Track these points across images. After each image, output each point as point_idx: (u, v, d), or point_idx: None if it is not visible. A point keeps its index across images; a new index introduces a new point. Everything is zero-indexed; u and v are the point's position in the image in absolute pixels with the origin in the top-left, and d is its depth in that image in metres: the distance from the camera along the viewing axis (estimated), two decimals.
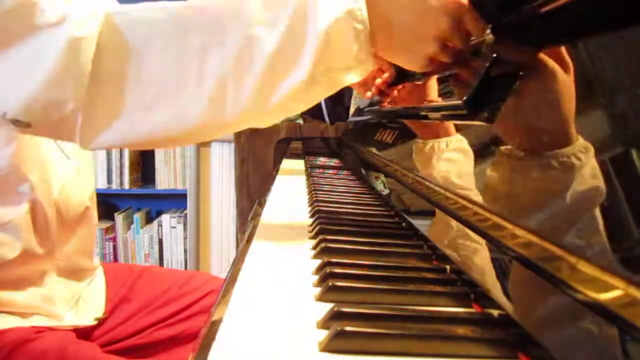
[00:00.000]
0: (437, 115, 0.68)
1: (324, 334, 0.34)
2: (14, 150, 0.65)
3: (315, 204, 0.75)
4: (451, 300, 0.42)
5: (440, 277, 0.47)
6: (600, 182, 0.32)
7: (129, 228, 2.36)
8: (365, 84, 0.73)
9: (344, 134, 1.62)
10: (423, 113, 0.73)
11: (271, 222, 0.68)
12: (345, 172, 1.18)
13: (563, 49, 0.41)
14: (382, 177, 0.85)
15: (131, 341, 0.82)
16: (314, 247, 0.55)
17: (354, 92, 2.09)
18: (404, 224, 0.66)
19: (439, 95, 0.73)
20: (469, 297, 0.42)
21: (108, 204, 2.38)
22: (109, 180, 2.31)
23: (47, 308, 0.70)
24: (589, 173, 0.33)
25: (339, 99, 2.47)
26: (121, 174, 2.31)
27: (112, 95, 0.50)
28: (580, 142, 0.35)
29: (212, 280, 0.95)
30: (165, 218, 2.34)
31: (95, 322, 0.79)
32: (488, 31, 0.53)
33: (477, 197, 0.48)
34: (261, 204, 0.79)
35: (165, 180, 2.34)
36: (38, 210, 0.69)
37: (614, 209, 0.29)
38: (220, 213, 2.33)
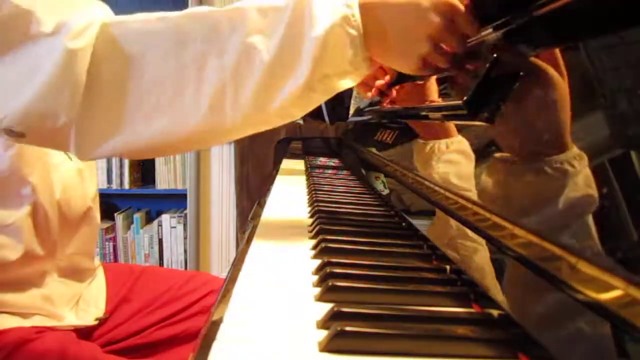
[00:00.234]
0: (438, 115, 0.68)
1: (323, 334, 0.34)
2: (15, 153, 0.65)
3: (315, 204, 0.75)
4: (451, 300, 0.42)
5: (440, 277, 0.47)
6: (593, 191, 0.32)
7: (129, 228, 2.36)
8: (365, 84, 0.73)
9: (344, 134, 1.62)
10: (423, 113, 0.73)
11: (271, 222, 0.68)
12: (345, 172, 1.18)
13: (559, 56, 0.41)
14: (382, 177, 0.85)
15: (131, 341, 0.82)
16: (314, 247, 0.55)
17: (354, 92, 2.09)
18: (404, 224, 0.66)
19: (439, 96, 0.73)
20: (469, 297, 0.42)
21: (108, 204, 2.38)
22: (109, 180, 2.31)
23: (48, 308, 0.70)
24: (582, 181, 0.33)
25: (339, 99, 2.47)
26: (121, 174, 2.31)
27: (109, 106, 0.50)
28: (574, 150, 0.35)
29: (212, 280, 0.95)
30: (165, 218, 2.34)
31: (95, 322, 0.79)
32: (489, 31, 0.53)
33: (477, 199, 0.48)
34: (261, 204, 0.79)
35: (165, 180, 2.34)
36: (39, 212, 0.69)
37: (613, 209, 0.29)
38: (220, 213, 2.33)
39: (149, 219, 2.44)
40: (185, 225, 2.33)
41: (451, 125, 0.61)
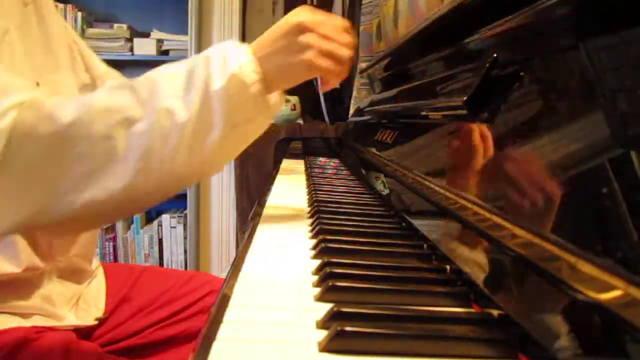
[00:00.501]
0: (438, 115, 0.68)
1: (323, 334, 0.34)
2: None
3: (315, 204, 0.75)
4: (451, 300, 0.42)
5: (440, 277, 0.47)
6: None
7: (128, 228, 2.36)
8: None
9: (344, 134, 1.62)
10: (423, 113, 0.73)
11: (271, 222, 0.68)
12: (345, 172, 1.18)
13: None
14: (382, 177, 0.85)
15: (131, 341, 0.82)
16: (314, 247, 0.55)
17: (354, 92, 2.09)
18: (404, 224, 0.66)
19: (439, 95, 0.73)
20: (469, 297, 0.42)
21: None
22: None
23: (47, 308, 0.70)
24: None
25: (339, 99, 2.47)
26: None
27: (30, 182, 0.52)
28: None
29: (212, 280, 0.95)
30: (165, 218, 2.34)
31: (95, 322, 0.79)
32: (488, 29, 0.53)
33: None
34: (261, 204, 0.79)
35: None
36: None
37: (613, 209, 0.29)
38: (220, 213, 2.33)
39: (148, 219, 2.44)
40: (185, 225, 2.33)
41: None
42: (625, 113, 0.32)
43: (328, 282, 0.42)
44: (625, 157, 0.30)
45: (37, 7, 0.73)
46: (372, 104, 1.28)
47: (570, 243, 0.30)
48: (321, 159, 1.43)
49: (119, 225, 2.33)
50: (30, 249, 0.68)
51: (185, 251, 2.38)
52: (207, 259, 2.36)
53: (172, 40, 2.47)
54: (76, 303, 0.78)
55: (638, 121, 0.31)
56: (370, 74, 1.55)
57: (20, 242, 0.67)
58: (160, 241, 2.35)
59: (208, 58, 0.56)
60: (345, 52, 0.60)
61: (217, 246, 2.35)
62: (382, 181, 0.84)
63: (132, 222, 2.35)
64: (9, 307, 0.66)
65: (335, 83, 0.64)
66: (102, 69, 0.86)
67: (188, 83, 0.55)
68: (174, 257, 2.40)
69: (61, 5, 2.49)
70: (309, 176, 1.08)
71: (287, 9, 2.51)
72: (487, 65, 0.54)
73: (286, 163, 1.36)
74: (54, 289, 0.73)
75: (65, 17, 2.49)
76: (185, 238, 2.35)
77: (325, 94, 2.52)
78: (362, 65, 1.93)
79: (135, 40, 2.49)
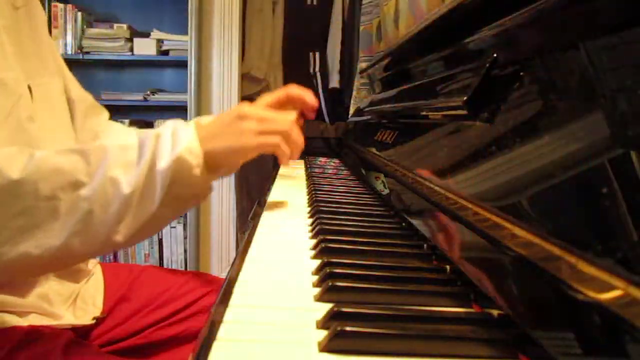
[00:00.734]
0: (438, 115, 0.68)
1: (323, 334, 0.34)
2: None
3: (315, 204, 0.75)
4: (451, 300, 0.42)
5: (440, 277, 0.47)
6: None
7: None
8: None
9: (344, 134, 1.62)
10: (423, 113, 0.73)
11: (271, 222, 0.68)
12: (345, 172, 1.18)
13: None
14: (382, 177, 0.85)
15: (131, 341, 0.82)
16: (314, 247, 0.55)
17: (354, 92, 2.09)
18: (404, 224, 0.66)
19: (439, 95, 0.73)
20: (469, 297, 0.42)
21: None
22: None
23: (44, 307, 0.70)
24: None
25: (339, 99, 2.47)
26: None
27: None
28: None
29: (212, 280, 0.94)
30: None
31: (93, 322, 0.79)
32: (488, 29, 0.53)
33: None
34: (261, 204, 0.79)
35: None
36: None
37: (613, 209, 0.29)
38: (220, 213, 2.33)
39: None
40: (185, 225, 2.33)
41: None
42: (625, 113, 0.32)
43: (328, 282, 0.42)
44: (625, 157, 0.30)
45: (29, 11, 0.73)
46: (372, 104, 1.28)
47: (570, 243, 0.30)
48: (321, 159, 1.43)
49: None
50: None
51: (185, 251, 2.37)
52: (207, 259, 2.35)
53: (172, 40, 2.47)
54: (74, 302, 0.78)
55: (638, 121, 0.31)
56: (370, 74, 1.55)
57: None
58: (160, 241, 2.35)
59: (159, 136, 0.60)
60: (284, 125, 0.67)
61: (217, 246, 2.35)
62: (382, 181, 0.84)
63: None
64: (6, 305, 0.66)
65: (286, 161, 0.68)
66: (75, 93, 0.87)
67: (136, 157, 0.59)
68: (174, 257, 2.40)
69: (61, 5, 2.49)
70: (309, 176, 1.08)
71: (287, 9, 2.52)
72: (487, 65, 0.54)
73: None
74: (51, 287, 0.72)
75: (65, 17, 2.49)
76: (185, 238, 2.35)
77: (325, 94, 2.52)
78: (362, 65, 1.93)
79: (135, 40, 2.49)
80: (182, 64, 2.31)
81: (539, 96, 0.46)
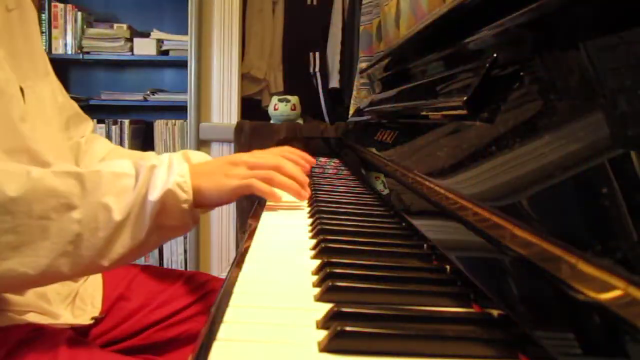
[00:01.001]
0: (438, 115, 0.68)
1: (323, 334, 0.34)
2: None
3: (315, 204, 0.75)
4: (451, 300, 0.42)
5: (440, 277, 0.47)
6: None
7: None
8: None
9: (344, 134, 1.62)
10: (423, 113, 0.73)
11: (271, 222, 0.68)
12: (345, 172, 1.18)
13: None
14: (382, 177, 0.85)
15: (131, 342, 0.82)
16: (314, 247, 0.55)
17: (354, 92, 2.09)
18: (404, 224, 0.66)
19: (439, 95, 0.73)
20: (469, 297, 0.42)
21: None
22: None
23: (43, 306, 0.70)
24: None
25: (339, 99, 2.47)
26: None
27: None
28: None
29: (212, 280, 0.94)
30: None
31: (92, 322, 0.79)
32: (488, 29, 0.53)
33: None
34: (261, 204, 0.79)
35: None
36: None
37: (613, 209, 0.29)
38: (220, 213, 2.33)
39: None
40: None
41: None
42: (625, 113, 0.32)
43: (328, 282, 0.42)
44: (625, 157, 0.30)
45: (21, 13, 0.74)
46: (372, 104, 1.28)
47: (570, 243, 0.30)
48: (321, 159, 1.43)
49: None
50: None
51: (185, 251, 2.37)
52: (207, 259, 2.36)
53: (172, 40, 2.47)
54: (73, 301, 0.78)
55: (638, 121, 0.31)
56: (370, 74, 1.55)
57: None
58: None
59: (153, 168, 0.63)
60: (271, 164, 0.72)
61: (217, 246, 2.35)
62: (382, 181, 0.84)
63: None
64: (4, 303, 0.66)
65: (274, 198, 0.72)
66: (58, 101, 0.87)
67: (130, 186, 0.61)
68: (174, 257, 2.40)
69: (61, 5, 2.49)
70: (309, 176, 1.08)
71: (287, 9, 2.52)
72: (487, 65, 0.54)
73: None
74: (50, 286, 0.72)
75: (65, 17, 2.49)
76: (185, 238, 2.35)
77: (325, 94, 2.52)
78: (362, 65, 1.93)
79: (135, 40, 2.49)
80: (182, 64, 2.31)
81: (539, 96, 0.46)
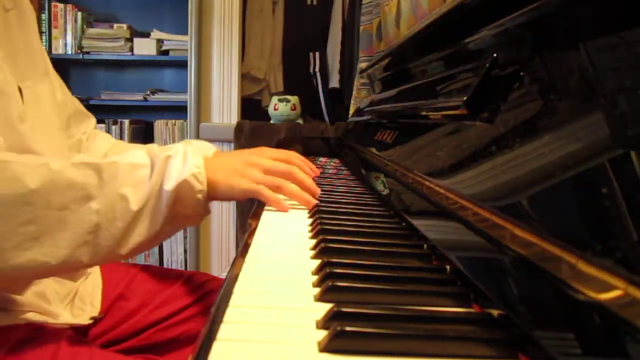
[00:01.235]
0: (438, 115, 0.68)
1: (323, 334, 0.34)
2: None
3: (316, 204, 0.74)
4: (451, 300, 0.42)
5: (440, 277, 0.47)
6: None
7: None
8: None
9: (344, 134, 1.62)
10: (423, 113, 0.73)
11: (271, 222, 0.68)
12: (345, 172, 1.18)
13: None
14: (382, 177, 0.85)
15: (130, 343, 0.82)
16: (314, 247, 0.55)
17: (354, 92, 2.09)
18: (404, 224, 0.66)
19: (439, 95, 0.73)
20: (469, 297, 0.42)
21: None
22: None
23: (42, 305, 0.70)
24: None
25: (339, 99, 2.47)
26: None
27: None
28: None
29: (212, 280, 0.94)
30: None
31: (91, 322, 0.79)
32: (488, 29, 0.53)
33: None
34: (261, 204, 0.79)
35: None
36: None
37: (613, 209, 0.29)
38: (220, 213, 2.33)
39: None
40: None
41: None
42: (625, 113, 0.32)
43: (328, 282, 0.42)
44: (625, 157, 0.30)
45: (19, 13, 0.74)
46: (372, 104, 1.28)
47: (570, 243, 0.30)
48: (321, 159, 1.43)
49: None
50: None
51: (185, 251, 2.37)
52: (207, 259, 2.36)
53: (172, 40, 2.47)
54: (72, 301, 0.78)
55: (638, 121, 0.31)
56: (370, 74, 1.55)
57: None
58: None
59: (169, 158, 0.65)
60: (284, 172, 0.74)
61: (217, 246, 2.35)
62: (382, 181, 0.84)
63: None
64: (4, 302, 0.66)
65: (281, 207, 0.73)
66: (59, 99, 0.87)
67: (146, 176, 0.63)
68: (174, 257, 2.40)
69: (61, 5, 2.49)
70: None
71: (287, 9, 2.52)
72: (487, 65, 0.54)
73: None
74: (48, 285, 0.72)
75: (65, 17, 2.49)
76: (185, 238, 2.35)
77: (325, 94, 2.52)
78: (362, 65, 1.93)
79: (135, 40, 2.49)
80: (182, 64, 2.31)
81: (539, 96, 0.46)
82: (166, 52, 2.49)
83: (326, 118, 2.50)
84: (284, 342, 0.34)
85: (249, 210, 0.75)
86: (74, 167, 0.60)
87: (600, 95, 0.35)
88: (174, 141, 2.50)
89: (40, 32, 2.40)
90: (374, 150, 0.96)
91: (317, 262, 0.49)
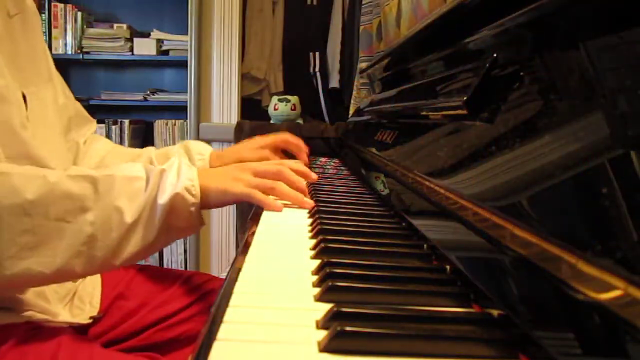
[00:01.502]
0: (438, 115, 0.68)
1: (323, 334, 0.34)
2: None
3: (316, 204, 0.75)
4: (451, 300, 0.42)
5: (440, 277, 0.47)
6: None
7: None
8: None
9: (344, 134, 1.62)
10: (423, 113, 0.73)
11: (271, 222, 0.68)
12: (345, 172, 1.18)
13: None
14: (382, 177, 0.85)
15: (130, 342, 0.82)
16: (314, 247, 0.55)
17: (354, 92, 2.09)
18: (404, 224, 0.66)
19: (439, 95, 0.73)
20: (469, 297, 0.42)
21: None
22: None
23: (41, 304, 0.70)
24: None
25: (339, 99, 2.47)
26: None
27: None
28: None
29: (212, 280, 0.94)
30: None
31: (90, 321, 0.79)
32: (488, 29, 0.53)
33: None
34: None
35: None
36: None
37: (613, 209, 0.29)
38: (220, 213, 2.33)
39: None
40: None
41: None
42: (625, 113, 0.32)
43: (328, 282, 0.42)
44: (625, 157, 0.30)
45: (23, 18, 0.74)
46: (372, 104, 1.28)
47: (570, 243, 0.30)
48: (321, 159, 1.43)
49: None
50: None
51: (185, 251, 2.37)
52: (207, 259, 2.35)
53: (172, 40, 2.47)
54: (71, 300, 0.78)
55: (638, 121, 0.31)
56: (370, 74, 1.55)
57: None
58: None
59: (163, 172, 0.66)
60: (275, 174, 0.75)
61: (217, 246, 2.34)
62: (382, 181, 0.84)
63: None
64: (3, 301, 0.66)
65: (274, 208, 0.72)
66: (60, 102, 0.87)
67: (141, 189, 0.64)
68: (174, 257, 2.40)
69: (61, 5, 2.49)
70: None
71: (287, 9, 2.52)
72: (487, 65, 0.54)
73: None
74: (48, 285, 0.72)
75: (65, 17, 2.49)
76: (185, 238, 2.35)
77: (325, 94, 2.52)
78: (362, 65, 1.93)
79: (135, 40, 2.49)
80: (182, 64, 2.31)
81: (539, 96, 0.46)
82: (166, 52, 2.49)
83: (326, 118, 2.49)
84: (284, 342, 0.34)
85: (249, 210, 0.75)
86: (71, 179, 0.61)
87: (600, 95, 0.35)
88: (173, 141, 2.50)
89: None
90: (374, 150, 0.96)
91: (317, 262, 0.49)
